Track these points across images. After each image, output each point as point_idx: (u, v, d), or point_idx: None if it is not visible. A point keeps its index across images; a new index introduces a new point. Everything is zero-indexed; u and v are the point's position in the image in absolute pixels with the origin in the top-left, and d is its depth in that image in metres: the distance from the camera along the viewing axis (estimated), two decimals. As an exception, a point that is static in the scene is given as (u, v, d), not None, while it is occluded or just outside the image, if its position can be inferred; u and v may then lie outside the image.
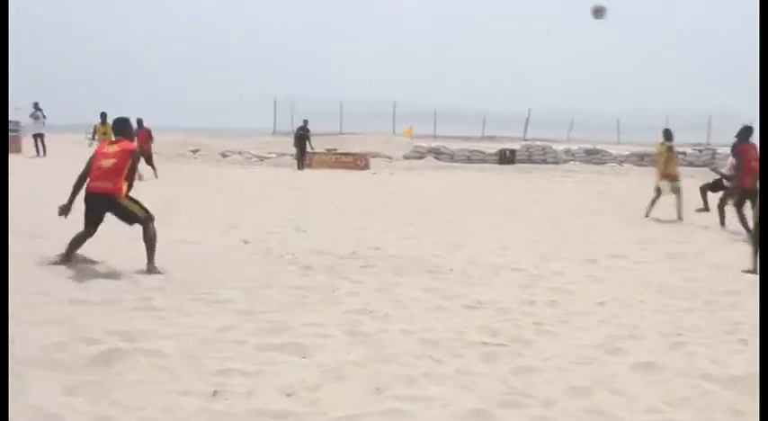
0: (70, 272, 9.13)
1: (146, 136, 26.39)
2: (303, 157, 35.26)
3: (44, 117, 35.79)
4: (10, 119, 49.46)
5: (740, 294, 9.14)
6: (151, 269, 9.40)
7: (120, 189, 9.57)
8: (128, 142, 9.92)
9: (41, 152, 34.60)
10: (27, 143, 36.88)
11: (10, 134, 42.90)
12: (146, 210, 9.77)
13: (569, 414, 5.28)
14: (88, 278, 8.88)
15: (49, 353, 6.12)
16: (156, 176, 25.30)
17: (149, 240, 9.61)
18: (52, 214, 9.60)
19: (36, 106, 35.61)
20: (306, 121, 36.12)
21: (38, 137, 35.37)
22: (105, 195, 9.51)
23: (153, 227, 9.71)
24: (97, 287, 8.49)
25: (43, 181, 22.04)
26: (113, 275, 9.08)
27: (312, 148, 36.13)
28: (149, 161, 25.98)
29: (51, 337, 6.50)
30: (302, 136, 35.43)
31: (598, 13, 10.33)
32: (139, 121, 26.56)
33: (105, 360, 6.02)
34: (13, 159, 33.15)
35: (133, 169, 9.80)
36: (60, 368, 5.84)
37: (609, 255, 11.95)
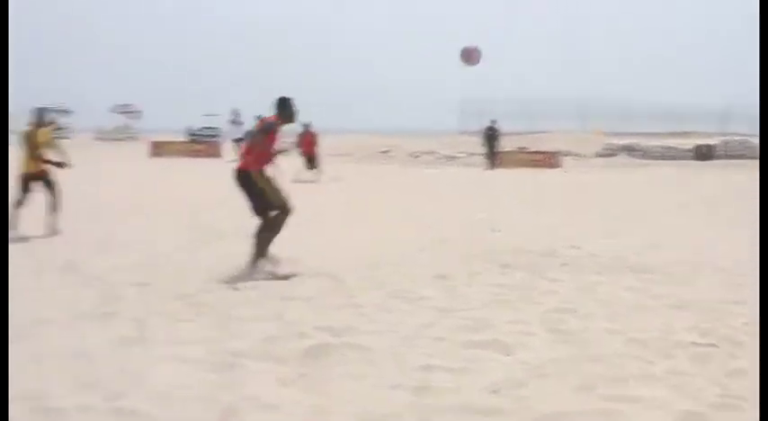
0: (277, 270, 9.47)
1: (310, 139, 27.11)
2: (494, 156, 35.19)
3: (242, 123, 37.33)
4: (209, 125, 52.23)
5: None
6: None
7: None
8: None
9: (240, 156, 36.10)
10: (226, 148, 38.62)
11: (210, 140, 45.25)
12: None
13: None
14: (294, 276, 9.18)
15: (264, 347, 6.37)
16: (318, 179, 25.56)
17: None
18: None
19: (235, 112, 37.19)
20: (494, 121, 36.05)
21: (237, 141, 36.95)
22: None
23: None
24: (303, 285, 8.77)
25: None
26: (317, 274, 9.33)
27: (500, 148, 36.01)
28: (313, 163, 26.62)
29: (265, 332, 6.78)
30: (491, 135, 35.39)
31: (469, 57, 9.70)
32: (305, 125, 27.20)
33: (315, 353, 6.21)
34: (213, 163, 34.88)
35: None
36: (275, 360, 6.06)
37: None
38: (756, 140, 39.82)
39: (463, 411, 5.04)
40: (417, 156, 40.03)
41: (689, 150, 39.30)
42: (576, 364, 6.05)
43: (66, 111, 60.38)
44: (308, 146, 26.71)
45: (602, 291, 8.72)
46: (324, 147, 40.21)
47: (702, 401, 5.27)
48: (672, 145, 40.64)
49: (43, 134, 12.60)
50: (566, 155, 38.64)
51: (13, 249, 10.07)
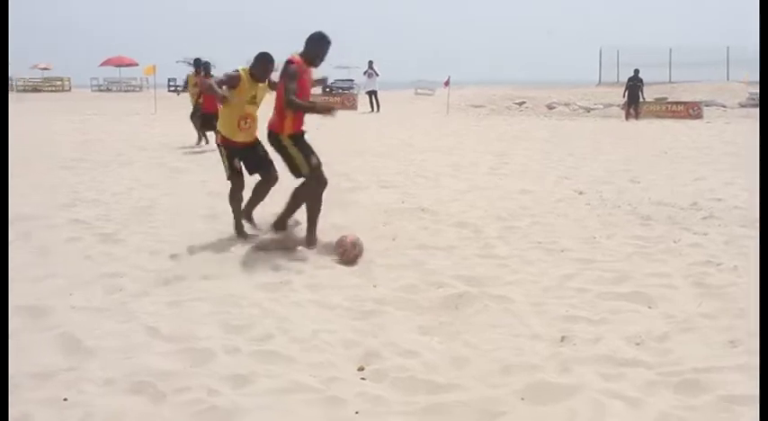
0: (415, 219, 9.58)
1: None
2: (636, 108, 34.28)
3: (377, 75, 37.47)
4: (345, 78, 52.64)
5: None
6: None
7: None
8: None
9: (375, 108, 36.34)
10: (362, 100, 38.93)
11: (345, 92, 45.66)
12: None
13: None
14: (432, 225, 9.27)
15: (404, 294, 6.49)
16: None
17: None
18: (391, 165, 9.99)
19: (370, 65, 37.35)
20: (637, 71, 35.04)
21: (371, 93, 37.17)
22: None
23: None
24: (442, 234, 8.85)
25: (379, 134, 23.19)
26: (454, 223, 9.39)
27: (644, 99, 35.05)
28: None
29: (405, 280, 6.89)
30: (634, 86, 34.45)
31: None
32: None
33: (455, 303, 6.29)
34: (350, 115, 35.24)
35: None
36: (414, 308, 6.17)
37: None
38: None
39: (605, 361, 5.03)
40: (553, 108, 39.36)
41: None
42: (722, 319, 5.93)
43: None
44: None
45: (748, 244, 8.44)
46: (457, 99, 40.13)
47: None
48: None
49: None
50: (708, 105, 37.29)
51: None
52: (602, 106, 38.89)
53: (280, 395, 4.57)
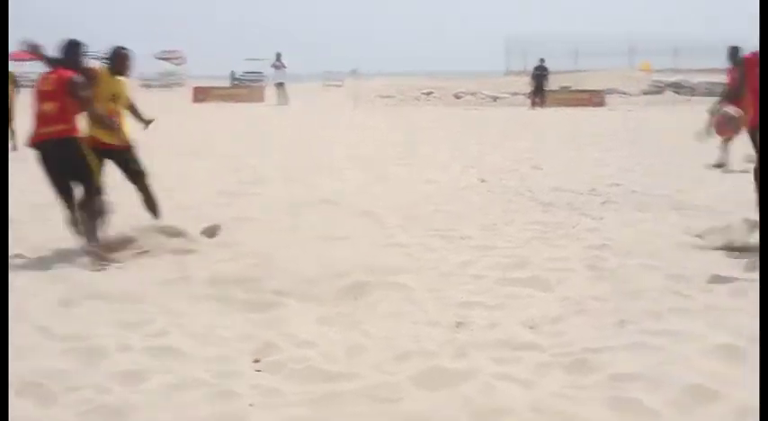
0: (316, 211, 9.57)
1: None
2: (541, 96, 34.84)
3: (285, 67, 37.27)
4: (253, 70, 52.30)
5: None
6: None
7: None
8: None
9: (283, 100, 36.17)
10: (270, 92, 38.76)
11: (253, 84, 45.34)
12: None
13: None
14: (335, 216, 9.28)
15: (303, 286, 6.47)
16: None
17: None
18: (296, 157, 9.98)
19: (278, 57, 37.15)
20: (542, 60, 35.65)
21: (279, 86, 36.98)
22: None
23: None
24: (343, 224, 8.85)
25: (287, 126, 23.09)
26: (357, 214, 9.41)
27: (548, 87, 35.66)
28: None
29: (304, 271, 6.87)
30: (539, 75, 35.03)
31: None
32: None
33: (354, 292, 6.30)
34: (257, 107, 35.05)
35: None
36: (313, 299, 6.16)
37: None
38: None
39: (499, 346, 5.10)
40: (460, 97, 39.73)
41: (738, 86, 38.54)
42: (614, 300, 6.06)
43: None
44: None
45: (643, 228, 8.68)
46: (365, 90, 40.19)
47: (741, 335, 5.26)
48: (720, 81, 39.84)
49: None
50: (610, 93, 38.11)
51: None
52: (508, 95, 39.43)
53: (172, 391, 4.50)
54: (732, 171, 12.78)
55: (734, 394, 4.33)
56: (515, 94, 38.89)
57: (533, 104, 34.54)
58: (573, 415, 4.11)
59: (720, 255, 7.47)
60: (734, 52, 13.80)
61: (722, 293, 6.23)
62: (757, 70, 7.44)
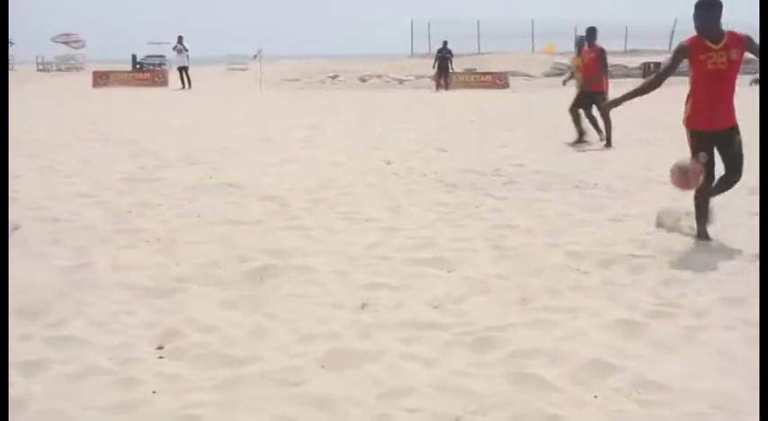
0: (222, 195, 9.48)
1: None
2: (445, 79, 35.09)
3: (187, 50, 36.64)
4: (154, 54, 51.36)
5: None
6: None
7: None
8: None
9: (186, 84, 35.61)
10: (172, 76, 38.12)
11: (155, 68, 44.51)
12: None
13: (723, 324, 5.17)
14: (240, 200, 9.20)
15: (207, 270, 6.41)
16: None
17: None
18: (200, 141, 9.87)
19: (180, 40, 36.52)
20: (445, 43, 35.92)
21: (182, 69, 36.37)
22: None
23: None
24: (247, 207, 8.79)
25: (190, 110, 22.78)
26: (261, 197, 9.35)
27: (453, 70, 35.93)
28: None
29: (209, 255, 6.80)
30: (443, 57, 35.27)
31: None
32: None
33: (259, 276, 6.26)
34: (160, 91, 34.46)
35: None
36: (218, 284, 6.11)
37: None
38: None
39: (404, 326, 5.14)
40: (366, 81, 39.74)
41: (637, 68, 39.46)
42: (516, 278, 6.18)
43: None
44: None
45: (545, 207, 8.84)
46: (271, 73, 39.86)
47: (638, 310, 5.42)
48: (620, 63, 40.72)
49: None
50: (513, 75, 38.62)
51: None
52: (413, 78, 39.59)
53: (74, 380, 4.41)
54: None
55: (632, 366, 4.47)
56: (420, 76, 39.06)
57: (438, 87, 34.78)
58: (475, 392, 4.18)
59: (618, 231, 7.67)
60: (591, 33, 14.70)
61: (620, 270, 6.39)
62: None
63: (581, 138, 14.27)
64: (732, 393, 4.14)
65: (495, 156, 12.86)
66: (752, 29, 7.91)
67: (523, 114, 21.14)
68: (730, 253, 6.82)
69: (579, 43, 15.25)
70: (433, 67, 35.78)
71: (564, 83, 17.26)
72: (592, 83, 14.27)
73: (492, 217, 8.38)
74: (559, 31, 52.16)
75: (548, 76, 39.63)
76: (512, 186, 10.10)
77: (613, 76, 38.16)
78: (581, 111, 14.37)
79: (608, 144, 13.91)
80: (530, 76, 39.82)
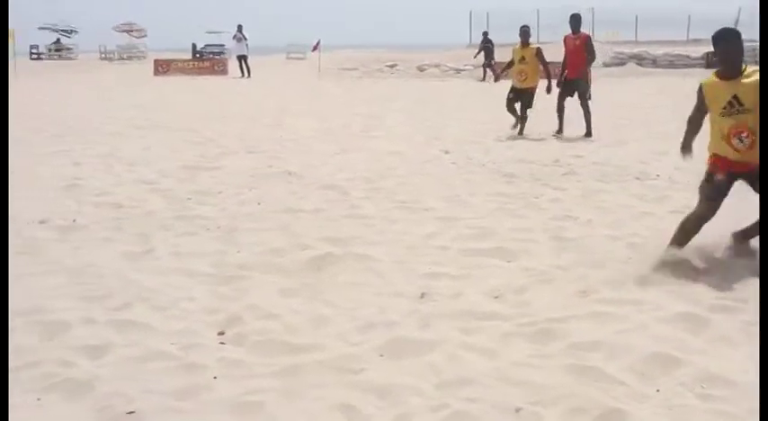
0: (281, 183, 9.55)
1: None
2: (492, 68, 34.79)
3: (246, 39, 36.85)
4: (214, 42, 51.75)
5: None
6: None
7: None
8: None
9: (245, 73, 35.84)
10: (232, 65, 38.40)
11: (215, 57, 44.83)
12: None
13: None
14: (299, 189, 9.26)
15: (268, 258, 6.47)
16: None
17: None
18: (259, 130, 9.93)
19: (239, 29, 36.75)
20: (486, 33, 35.78)
21: (241, 58, 36.60)
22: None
23: None
24: (307, 196, 8.84)
25: (249, 99, 22.92)
26: (321, 186, 9.39)
27: (494, 60, 35.51)
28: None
29: (269, 243, 6.86)
30: (486, 47, 35.01)
31: None
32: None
33: (318, 264, 6.30)
34: (220, 80, 34.75)
35: None
36: (278, 271, 6.15)
37: None
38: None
39: (463, 316, 5.13)
40: (424, 70, 39.60)
41: (699, 58, 38.76)
42: (577, 270, 6.13)
43: (71, 31, 59.91)
44: None
45: (604, 198, 8.76)
46: (329, 63, 39.95)
47: (700, 304, 5.34)
48: (681, 52, 40.10)
49: None
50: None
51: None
52: (471, 67, 39.33)
53: (137, 363, 4.50)
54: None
55: (695, 361, 4.41)
56: (478, 66, 38.81)
57: (484, 77, 34.46)
58: (535, 383, 4.16)
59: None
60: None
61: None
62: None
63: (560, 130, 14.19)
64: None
65: (555, 146, 12.76)
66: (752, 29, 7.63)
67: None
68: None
69: (524, 33, 14.81)
70: (475, 57, 35.58)
71: (496, 79, 16.96)
72: (575, 70, 14.06)
73: (551, 207, 8.32)
74: (619, 20, 51.59)
75: (607, 65, 39.08)
76: (571, 177, 10.01)
77: (676, 66, 37.79)
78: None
79: (588, 134, 13.83)
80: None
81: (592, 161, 11.19)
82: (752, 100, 5.89)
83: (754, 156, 5.93)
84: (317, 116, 17.96)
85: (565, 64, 14.16)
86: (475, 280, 5.90)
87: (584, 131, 13.91)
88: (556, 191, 9.17)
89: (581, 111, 13.99)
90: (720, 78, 6.08)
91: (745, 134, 5.96)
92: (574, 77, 13.96)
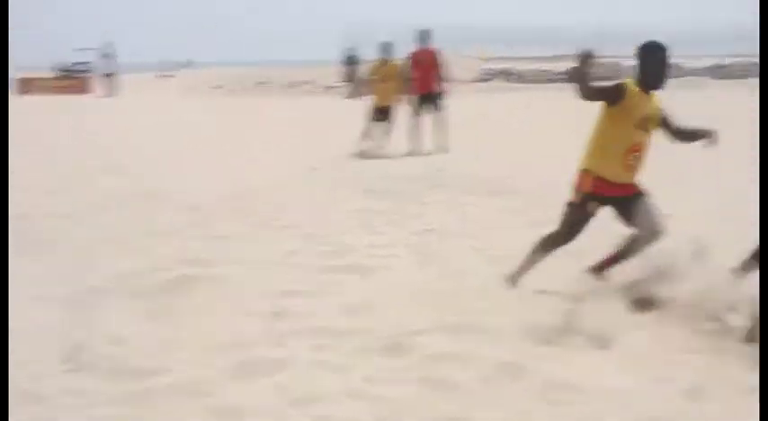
0: (140, 204, 9.36)
1: None
2: (357, 85, 34.94)
3: (113, 57, 36.02)
4: (81, 60, 50.44)
5: None
6: None
7: None
8: None
9: (111, 91, 35.00)
10: (99, 83, 37.50)
11: (81, 75, 43.53)
12: None
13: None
14: (158, 209, 9.08)
15: (122, 281, 6.30)
16: None
17: None
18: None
19: (106, 46, 35.93)
20: (351, 49, 35.84)
21: (108, 76, 35.74)
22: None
23: None
24: (166, 217, 8.68)
25: (112, 118, 22.47)
26: (181, 207, 9.24)
27: (360, 76, 35.67)
28: None
29: (124, 266, 6.70)
30: (351, 63, 35.07)
31: None
32: None
33: (174, 286, 6.16)
34: (84, 99, 33.88)
35: None
36: (131, 295, 6.00)
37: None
38: (627, 62, 40.65)
39: (317, 333, 5.11)
40: (294, 87, 39.58)
41: (564, 73, 39.97)
42: (435, 284, 6.17)
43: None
44: None
45: (467, 211, 8.91)
46: (198, 81, 39.51)
47: (554, 312, 5.44)
48: (547, 68, 41.27)
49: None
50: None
51: None
52: (341, 84, 39.48)
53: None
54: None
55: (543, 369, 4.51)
56: (347, 83, 39.00)
57: (349, 93, 34.54)
58: (387, 397, 4.17)
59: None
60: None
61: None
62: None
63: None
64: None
65: (420, 161, 12.92)
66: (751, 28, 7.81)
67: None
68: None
69: (385, 49, 14.80)
70: (342, 74, 35.59)
71: (358, 96, 17.20)
72: (428, 84, 14.32)
73: (414, 222, 8.40)
74: (488, 36, 52.75)
75: (475, 81, 39.86)
76: (434, 191, 10.13)
77: (541, 81, 38.86)
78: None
79: (441, 148, 14.03)
80: (458, 81, 40.02)
81: (455, 175, 11.34)
82: (658, 120, 5.81)
83: (636, 179, 5.77)
84: (178, 134, 17.70)
85: (418, 79, 14.25)
86: (331, 296, 5.88)
87: (442, 146, 14.04)
88: (419, 205, 9.27)
89: (438, 126, 14.17)
90: (642, 90, 5.73)
91: (638, 153, 5.70)
92: (427, 92, 14.10)
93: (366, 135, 14.04)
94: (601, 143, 5.69)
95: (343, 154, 13.98)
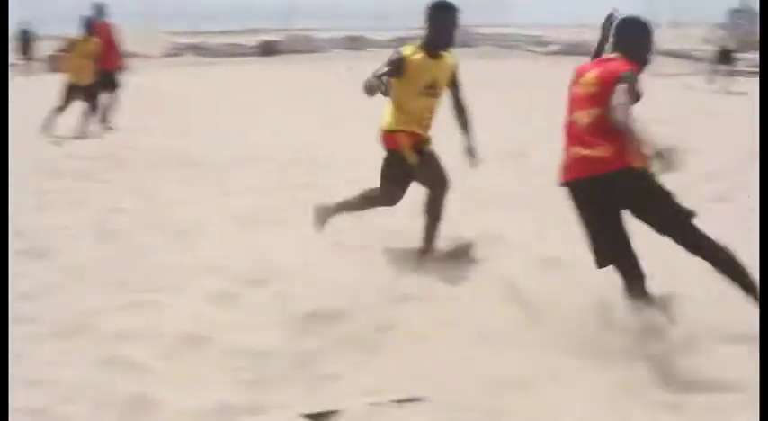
0: None
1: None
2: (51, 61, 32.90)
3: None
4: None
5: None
6: None
7: None
8: None
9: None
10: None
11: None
12: None
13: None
14: None
15: None
16: None
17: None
18: None
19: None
20: (24, 23, 33.09)
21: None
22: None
23: None
24: None
25: None
26: None
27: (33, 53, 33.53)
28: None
29: None
30: (25, 39, 32.64)
31: None
32: None
33: None
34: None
35: None
36: None
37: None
38: (319, 35, 41.53)
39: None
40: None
41: (255, 46, 40.05)
42: (117, 262, 6.06)
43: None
44: None
45: (152, 186, 8.77)
46: None
47: (236, 281, 5.51)
48: (239, 42, 41.12)
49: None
50: (133, 56, 37.66)
51: None
52: (21, 62, 37.35)
53: None
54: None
55: (223, 337, 4.57)
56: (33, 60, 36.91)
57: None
58: (61, 381, 4.07)
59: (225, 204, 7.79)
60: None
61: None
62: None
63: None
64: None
65: (103, 140, 12.50)
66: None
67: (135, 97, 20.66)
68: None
69: (88, 23, 13.63)
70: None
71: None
72: (107, 61, 13.64)
73: (97, 201, 8.14)
74: (176, 10, 51.77)
75: (167, 55, 39.08)
76: (120, 169, 9.87)
77: (233, 55, 38.71)
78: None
79: (104, 124, 13.55)
80: (149, 57, 39.06)
81: (143, 152, 11.03)
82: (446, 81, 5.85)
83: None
84: None
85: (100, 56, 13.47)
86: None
87: (109, 124, 13.55)
88: (103, 184, 9.00)
89: (113, 104, 13.67)
90: (427, 54, 5.69)
91: (429, 114, 5.82)
92: (104, 68, 13.40)
93: (56, 113, 13.01)
94: (397, 107, 5.72)
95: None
